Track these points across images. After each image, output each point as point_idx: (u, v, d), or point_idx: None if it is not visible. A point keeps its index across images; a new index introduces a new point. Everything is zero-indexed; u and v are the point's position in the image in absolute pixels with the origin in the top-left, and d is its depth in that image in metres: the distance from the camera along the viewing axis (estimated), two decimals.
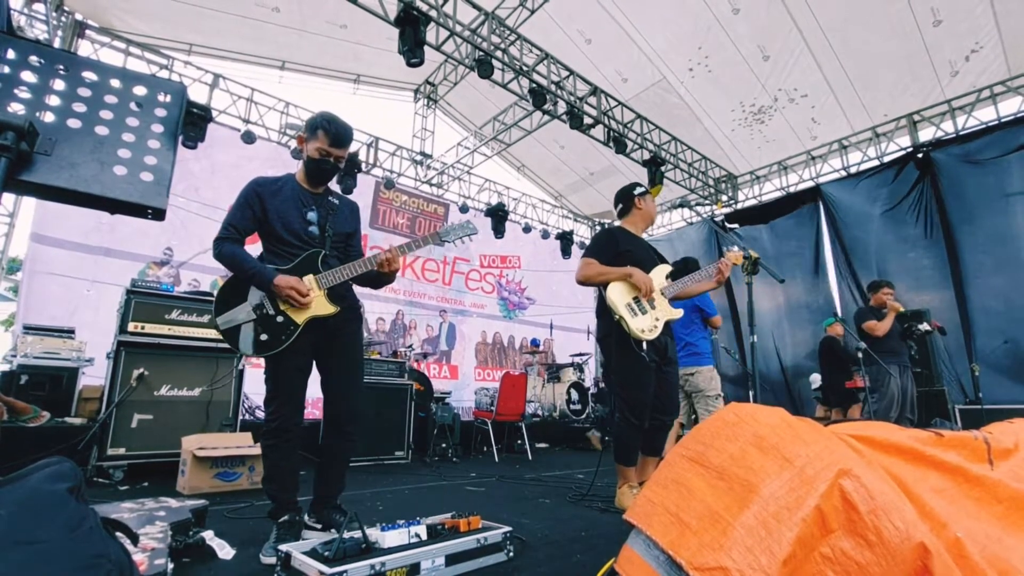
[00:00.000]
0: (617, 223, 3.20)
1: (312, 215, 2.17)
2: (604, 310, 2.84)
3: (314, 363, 2.20)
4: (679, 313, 2.91)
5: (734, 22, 6.52)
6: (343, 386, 2.21)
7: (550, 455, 6.11)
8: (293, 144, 7.45)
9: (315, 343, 2.14)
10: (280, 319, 2.04)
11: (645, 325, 2.74)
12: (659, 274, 2.92)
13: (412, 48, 5.03)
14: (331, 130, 2.10)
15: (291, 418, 2.08)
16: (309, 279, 2.08)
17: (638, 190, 3.13)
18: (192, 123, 6.24)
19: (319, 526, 2.15)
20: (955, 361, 6.13)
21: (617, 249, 2.92)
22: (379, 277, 2.21)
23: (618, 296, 2.76)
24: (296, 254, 2.11)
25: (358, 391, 2.27)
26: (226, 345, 3.74)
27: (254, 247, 2.10)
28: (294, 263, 2.09)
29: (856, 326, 4.85)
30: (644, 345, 2.72)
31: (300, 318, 2.05)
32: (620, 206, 3.18)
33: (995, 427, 1.48)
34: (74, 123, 1.07)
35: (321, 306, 2.09)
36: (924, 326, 5.00)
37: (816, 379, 6.96)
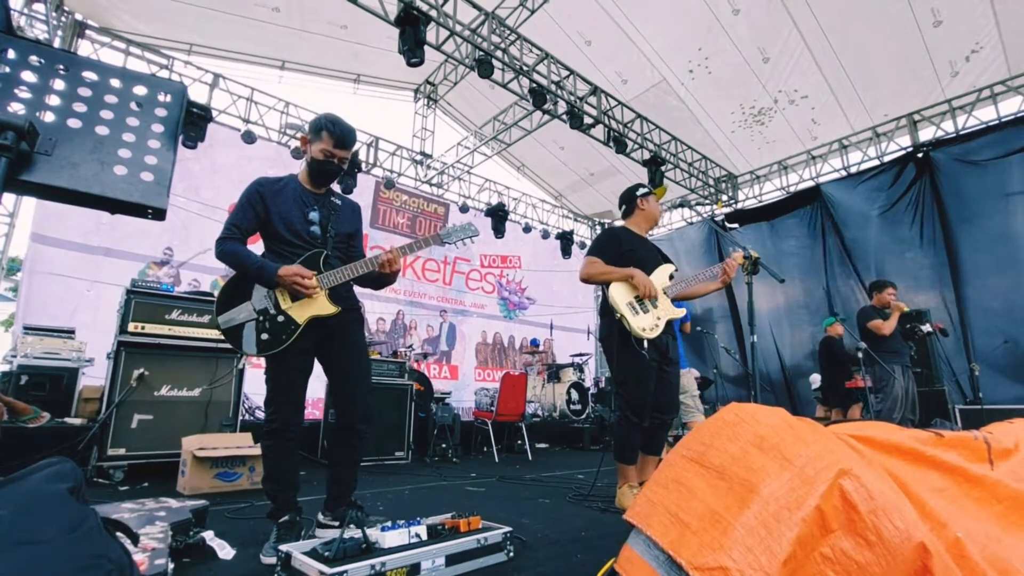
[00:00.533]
0: (620, 223, 3.22)
1: (314, 215, 2.18)
2: (607, 309, 2.85)
3: (318, 364, 2.21)
4: (681, 312, 2.92)
5: (734, 23, 6.52)
6: (352, 386, 2.22)
7: (550, 455, 6.11)
8: (293, 144, 7.46)
9: (317, 344, 2.15)
10: (281, 319, 2.04)
11: (646, 324, 2.75)
12: (662, 274, 2.94)
13: (412, 48, 5.04)
14: (335, 132, 2.11)
15: (291, 418, 2.09)
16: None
17: (641, 191, 3.15)
18: (192, 123, 6.24)
19: (336, 523, 2.15)
20: (954, 361, 6.13)
21: (620, 248, 2.94)
22: (380, 278, 2.22)
23: (619, 295, 2.78)
24: (298, 254, 2.12)
25: (367, 390, 2.27)
26: (226, 345, 3.73)
27: (254, 247, 2.10)
28: (296, 263, 2.10)
29: (860, 325, 4.80)
30: (645, 344, 2.73)
31: (301, 318, 2.05)
32: (624, 207, 3.22)
33: (995, 427, 1.48)
34: (74, 123, 1.07)
35: (322, 306, 2.09)
36: (926, 327, 4.94)
37: (816, 379, 6.96)
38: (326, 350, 2.19)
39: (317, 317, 2.07)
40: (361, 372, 2.26)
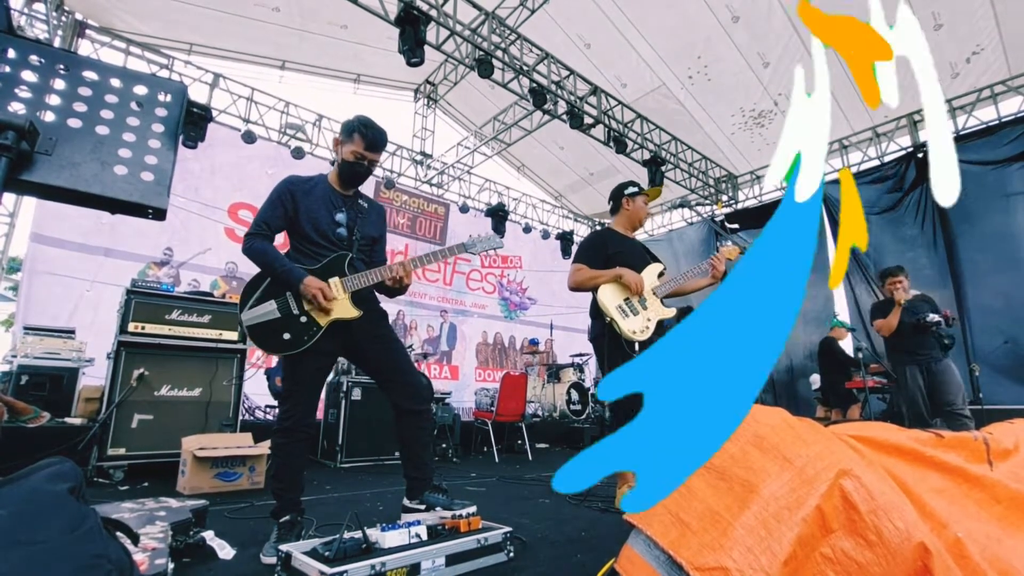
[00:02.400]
0: (608, 222, 3.18)
1: (341, 216, 2.20)
2: (597, 311, 2.82)
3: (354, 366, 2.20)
4: (672, 312, 2.89)
5: (734, 30, 6.51)
6: (392, 372, 2.22)
7: (550, 455, 6.11)
8: (294, 144, 7.47)
9: (343, 346, 2.17)
10: (304, 319, 2.05)
11: (636, 326, 2.73)
12: (651, 273, 2.90)
13: (412, 48, 5.03)
14: (368, 134, 2.15)
15: (304, 418, 2.11)
16: (335, 281, 2.11)
17: (629, 190, 3.08)
18: (192, 123, 6.24)
19: (423, 507, 2.15)
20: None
21: (606, 252, 2.90)
22: (393, 287, 2.25)
23: (609, 298, 2.74)
24: (323, 254, 2.14)
25: (410, 370, 2.27)
26: (226, 345, 3.74)
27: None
28: (322, 264, 2.12)
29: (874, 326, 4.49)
30: (636, 346, 2.70)
31: (323, 320, 2.07)
32: (611, 204, 3.15)
33: (995, 427, 1.48)
34: (75, 123, 1.07)
35: (345, 309, 2.11)
36: (935, 316, 4.24)
37: (816, 379, 6.96)
38: (354, 350, 2.21)
39: (339, 320, 2.09)
40: (396, 356, 2.24)
